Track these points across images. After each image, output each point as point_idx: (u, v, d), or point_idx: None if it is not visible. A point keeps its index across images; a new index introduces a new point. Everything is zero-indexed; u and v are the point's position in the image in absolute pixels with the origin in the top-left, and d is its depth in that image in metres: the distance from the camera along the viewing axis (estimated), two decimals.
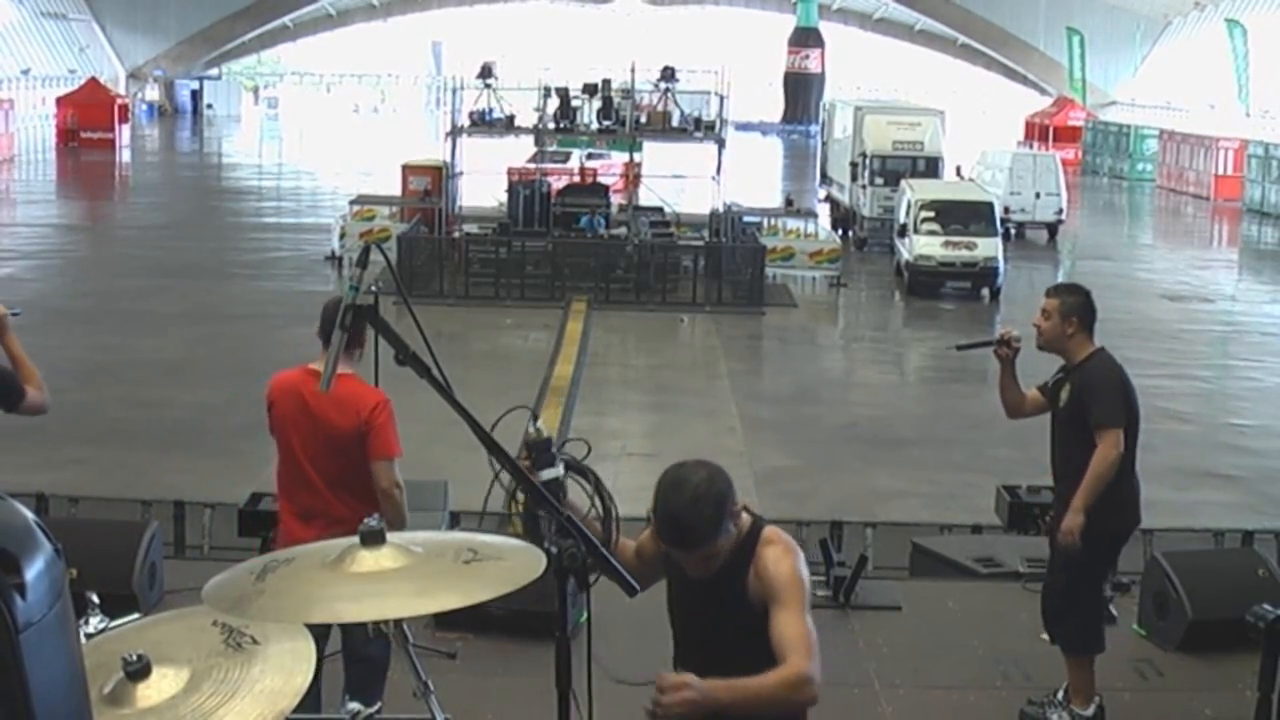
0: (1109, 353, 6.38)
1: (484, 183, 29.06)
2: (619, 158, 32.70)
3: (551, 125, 27.51)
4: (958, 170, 32.91)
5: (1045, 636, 7.36)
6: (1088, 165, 55.82)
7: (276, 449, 5.84)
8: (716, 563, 3.76)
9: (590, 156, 35.24)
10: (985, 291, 25.15)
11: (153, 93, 76.34)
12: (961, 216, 25.95)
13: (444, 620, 6.58)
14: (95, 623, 3.60)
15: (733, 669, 3.42)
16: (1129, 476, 6.21)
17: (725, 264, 25.10)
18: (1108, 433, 6.09)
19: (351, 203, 29.59)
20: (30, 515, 1.95)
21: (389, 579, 3.08)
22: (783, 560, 3.73)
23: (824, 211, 34.03)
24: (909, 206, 26.41)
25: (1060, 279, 30.75)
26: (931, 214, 25.96)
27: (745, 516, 3.86)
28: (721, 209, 27.77)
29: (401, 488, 5.62)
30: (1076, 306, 6.34)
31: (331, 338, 3.67)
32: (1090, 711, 6.33)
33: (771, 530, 3.87)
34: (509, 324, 21.80)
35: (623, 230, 26.46)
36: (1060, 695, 6.38)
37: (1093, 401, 6.16)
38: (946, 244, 25.22)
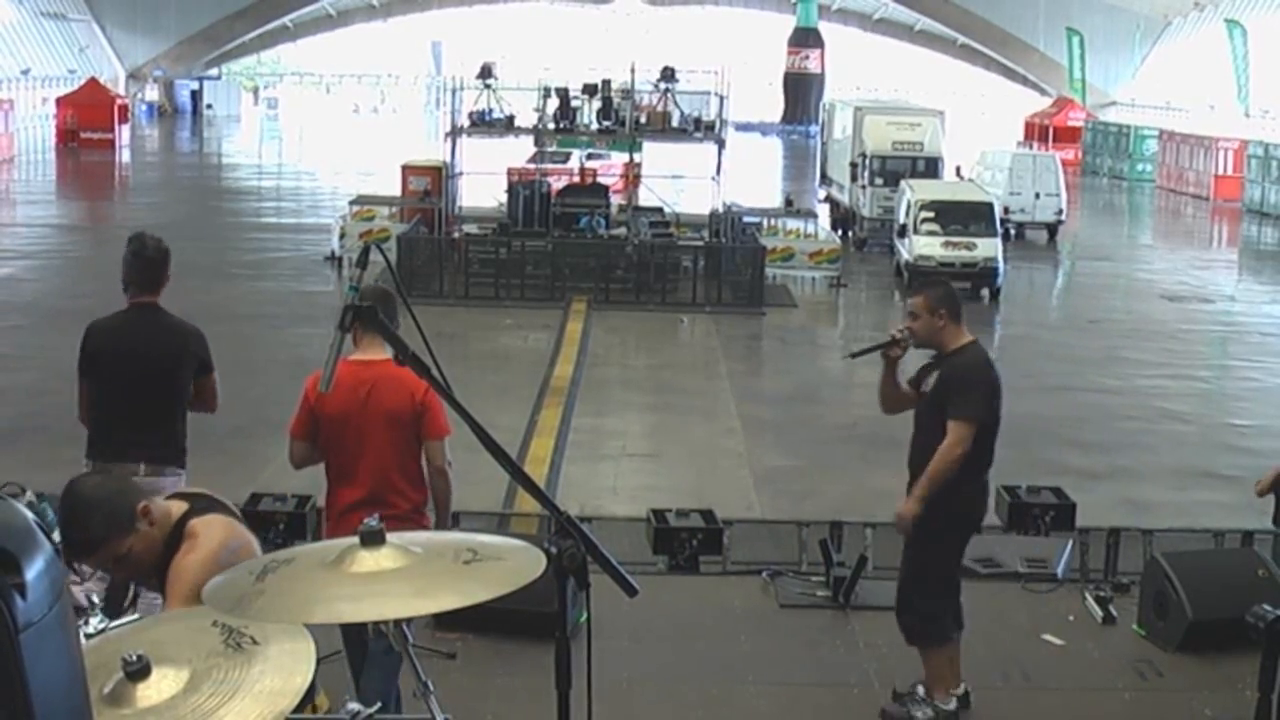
0: (982, 346, 6.40)
1: (484, 183, 29.05)
2: (619, 158, 32.70)
3: (551, 125, 27.49)
4: (957, 170, 32.89)
5: (1047, 637, 7.39)
6: (1087, 165, 55.81)
7: (328, 447, 5.88)
8: (142, 565, 3.82)
9: (590, 157, 35.24)
10: (985, 292, 25.12)
11: (153, 93, 76.36)
12: (961, 217, 25.93)
13: (444, 620, 6.58)
14: (95, 623, 3.60)
15: None
16: (978, 477, 6.26)
17: (725, 264, 25.08)
18: (960, 426, 6.08)
19: (351, 203, 29.57)
20: (30, 515, 1.95)
21: (389, 579, 3.08)
22: (186, 555, 3.79)
23: (824, 212, 34.02)
24: (909, 207, 26.40)
25: (1060, 279, 30.83)
26: (931, 214, 25.94)
27: (174, 510, 3.89)
28: (721, 209, 27.76)
29: (452, 465, 5.74)
30: (942, 298, 6.38)
31: (332, 337, 3.66)
32: (952, 705, 6.29)
33: (196, 522, 3.89)
34: (509, 324, 21.79)
35: (623, 230, 26.45)
36: (921, 690, 6.36)
37: (954, 392, 6.17)
38: (946, 244, 25.20)
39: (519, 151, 32.79)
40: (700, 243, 26.49)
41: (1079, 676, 6.99)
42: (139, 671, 2.73)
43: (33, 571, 1.84)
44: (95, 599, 3.90)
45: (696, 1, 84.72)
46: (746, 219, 28.25)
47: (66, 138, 52.88)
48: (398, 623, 3.74)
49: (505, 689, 6.41)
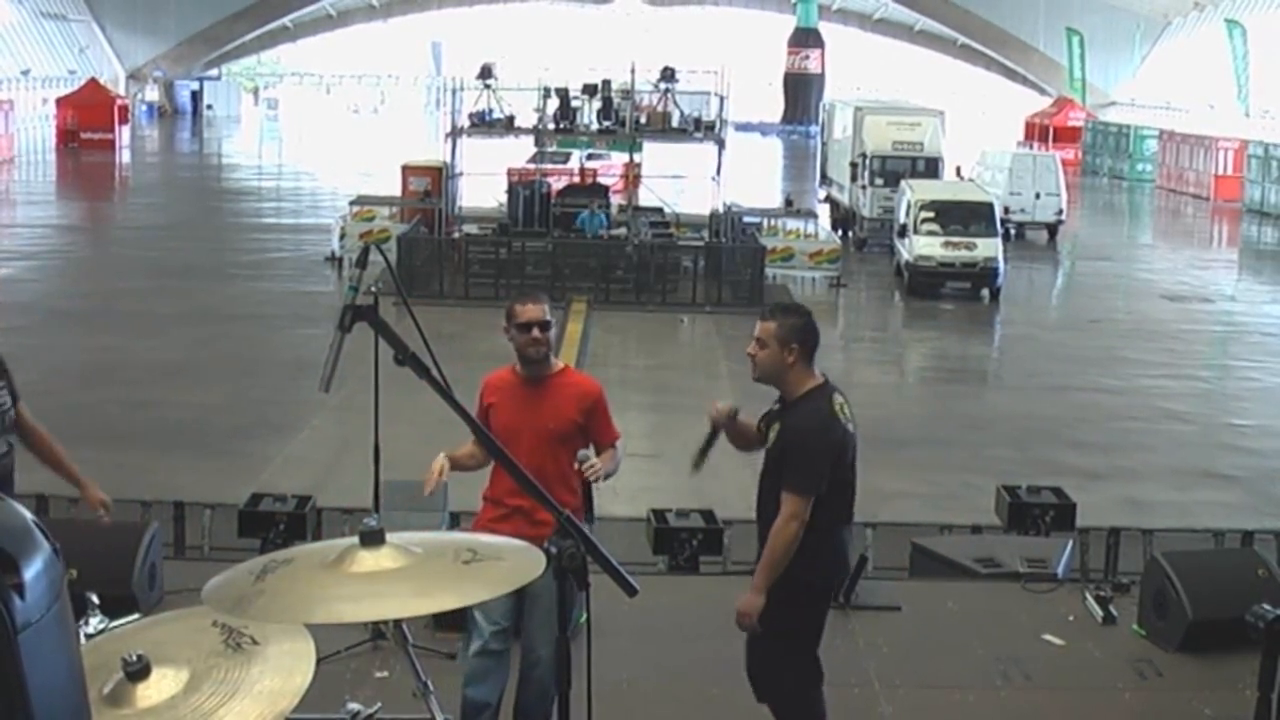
0: (830, 391, 5.43)
1: (484, 183, 29.05)
2: (619, 158, 32.69)
3: (551, 126, 27.51)
4: (957, 170, 32.89)
5: (1047, 637, 7.39)
6: (1087, 165, 55.81)
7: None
8: None
9: (590, 157, 35.23)
10: (985, 292, 25.15)
11: (153, 93, 76.33)
12: (961, 217, 25.94)
13: (443, 620, 6.58)
14: (95, 623, 3.60)
15: None
16: (831, 535, 5.38)
17: (725, 264, 25.09)
18: (794, 499, 5.19)
19: (351, 203, 29.57)
20: (29, 515, 1.95)
21: (388, 579, 3.08)
22: None
23: (824, 212, 34.03)
24: (909, 207, 26.40)
25: (1060, 279, 30.83)
26: (931, 214, 25.95)
27: None
28: (721, 209, 27.76)
29: None
30: (797, 330, 5.34)
31: (332, 337, 3.66)
32: None
33: None
34: None
35: (622, 230, 26.45)
36: None
37: (789, 457, 5.28)
38: (946, 244, 25.21)
39: (519, 151, 32.78)
40: (700, 243, 26.50)
41: (1079, 676, 6.99)
42: (139, 671, 2.73)
43: (31, 572, 1.84)
44: (95, 599, 3.91)
45: (696, 1, 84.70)
46: (746, 219, 28.27)
47: (66, 138, 52.88)
48: (397, 623, 3.75)
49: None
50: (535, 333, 5.62)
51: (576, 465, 5.45)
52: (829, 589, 5.54)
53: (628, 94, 27.71)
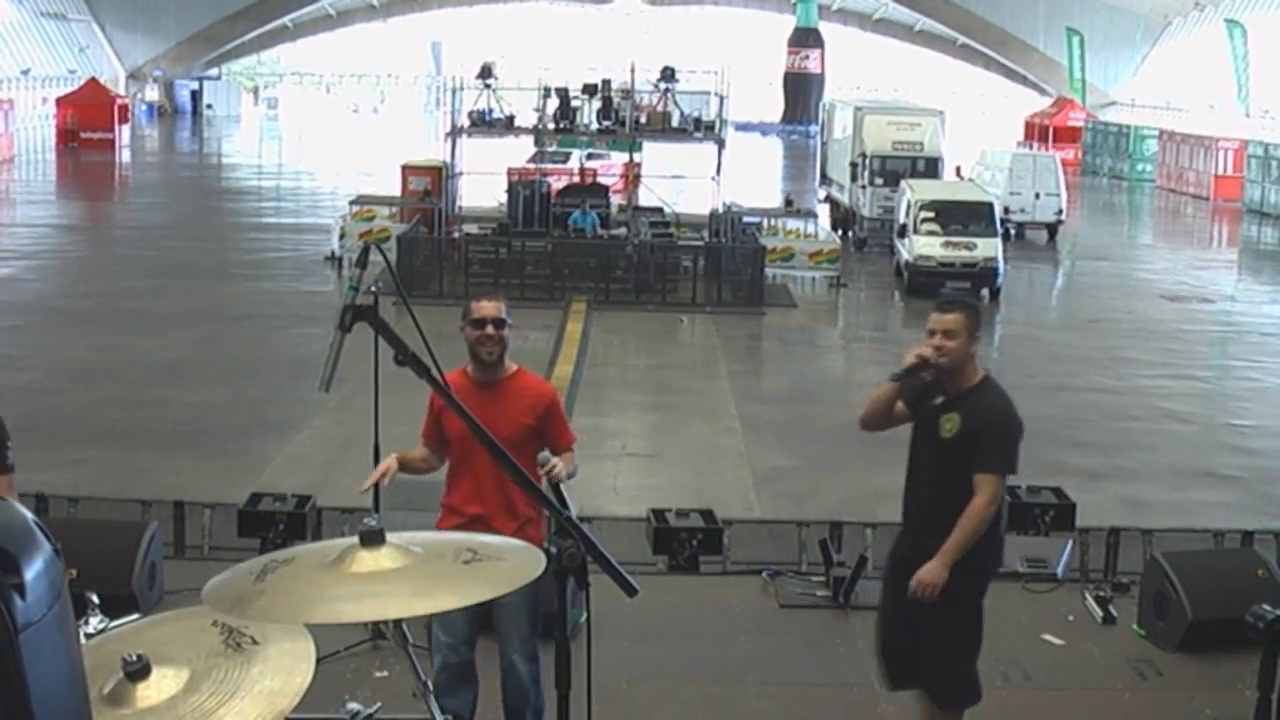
0: (996, 381, 5.60)
1: (484, 183, 29.04)
2: (619, 158, 32.69)
3: (551, 125, 27.50)
4: (957, 170, 32.89)
5: (1047, 637, 7.39)
6: (1087, 166, 55.81)
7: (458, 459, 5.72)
8: None
9: (590, 157, 35.24)
10: (985, 292, 25.12)
11: (152, 93, 76.36)
12: (961, 217, 25.93)
13: None
14: (95, 623, 3.60)
15: None
16: (999, 521, 5.68)
17: (725, 264, 25.09)
18: (995, 481, 5.40)
19: (351, 203, 29.57)
20: (30, 515, 1.95)
21: (388, 579, 3.08)
22: None
23: (824, 212, 34.03)
24: (909, 207, 26.40)
25: (1060, 279, 30.83)
26: (931, 214, 25.94)
27: None
28: (721, 209, 27.76)
29: None
30: (979, 321, 5.52)
31: (332, 337, 3.65)
32: None
33: None
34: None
35: (622, 230, 26.45)
36: None
37: (990, 444, 5.40)
38: (946, 244, 25.20)
39: (519, 151, 32.78)
40: (700, 243, 26.49)
41: (1079, 676, 6.99)
42: (139, 671, 2.73)
43: (32, 571, 1.84)
44: (95, 599, 3.91)
45: (696, 1, 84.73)
46: (746, 219, 28.26)
47: (66, 138, 52.88)
48: (397, 623, 3.75)
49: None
50: (489, 329, 5.60)
51: (539, 468, 5.41)
52: (994, 576, 5.80)
53: (628, 94, 27.71)
